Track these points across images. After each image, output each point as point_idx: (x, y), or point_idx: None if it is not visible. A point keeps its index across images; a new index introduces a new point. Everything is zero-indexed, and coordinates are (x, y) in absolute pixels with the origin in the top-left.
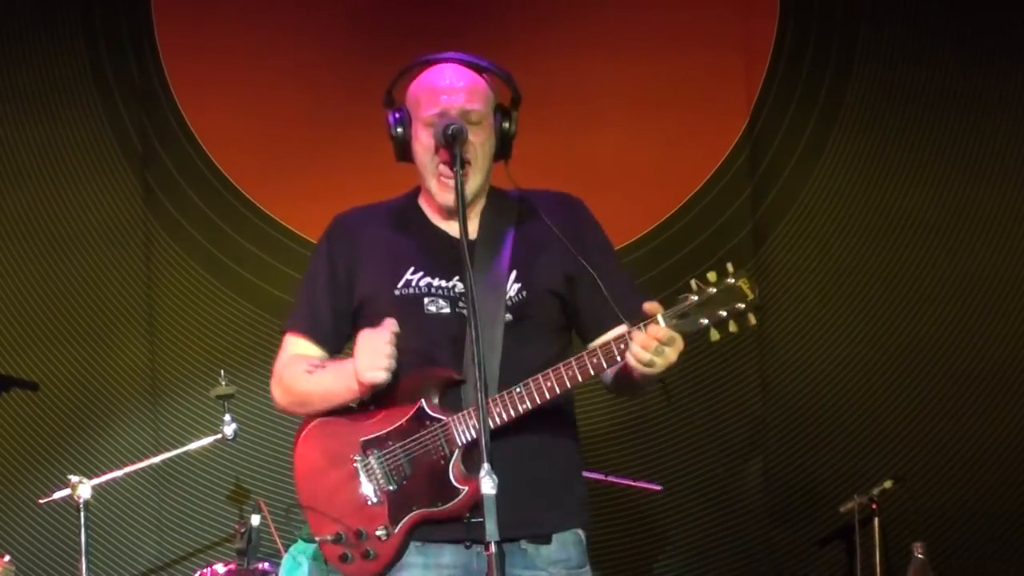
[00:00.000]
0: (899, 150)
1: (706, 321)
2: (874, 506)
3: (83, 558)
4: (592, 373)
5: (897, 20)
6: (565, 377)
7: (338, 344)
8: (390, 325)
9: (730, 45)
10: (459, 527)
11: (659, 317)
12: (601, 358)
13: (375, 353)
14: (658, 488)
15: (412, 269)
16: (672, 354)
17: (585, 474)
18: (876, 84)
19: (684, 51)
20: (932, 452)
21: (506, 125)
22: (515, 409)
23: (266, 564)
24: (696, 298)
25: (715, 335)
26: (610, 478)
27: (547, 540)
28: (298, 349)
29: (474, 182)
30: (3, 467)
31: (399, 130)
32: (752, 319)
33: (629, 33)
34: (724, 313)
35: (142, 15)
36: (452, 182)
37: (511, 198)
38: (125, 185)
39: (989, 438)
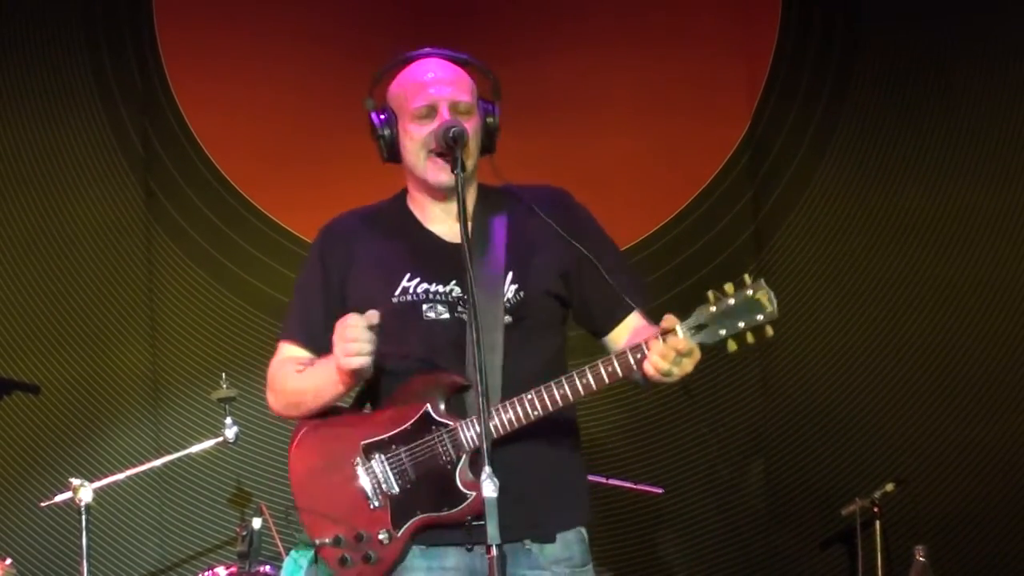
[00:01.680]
0: (900, 153)
1: (724, 332)
2: (876, 509)
3: (84, 561)
4: (607, 382)
5: (898, 23)
6: (579, 385)
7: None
8: (371, 316)
9: (731, 48)
10: (461, 531)
11: (677, 328)
12: (616, 367)
13: (352, 340)
14: (659, 491)
15: (408, 276)
16: (689, 365)
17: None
18: (878, 87)
19: (686, 55)
20: (934, 455)
21: (490, 119)
22: (526, 416)
23: (267, 567)
24: (714, 309)
25: (732, 346)
26: (611, 481)
27: (551, 539)
28: (289, 353)
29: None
30: (4, 470)
31: (386, 131)
32: (769, 331)
33: (630, 37)
34: (742, 324)
35: (144, 18)
36: (444, 162)
37: (499, 193)
38: (127, 188)
39: (991, 441)
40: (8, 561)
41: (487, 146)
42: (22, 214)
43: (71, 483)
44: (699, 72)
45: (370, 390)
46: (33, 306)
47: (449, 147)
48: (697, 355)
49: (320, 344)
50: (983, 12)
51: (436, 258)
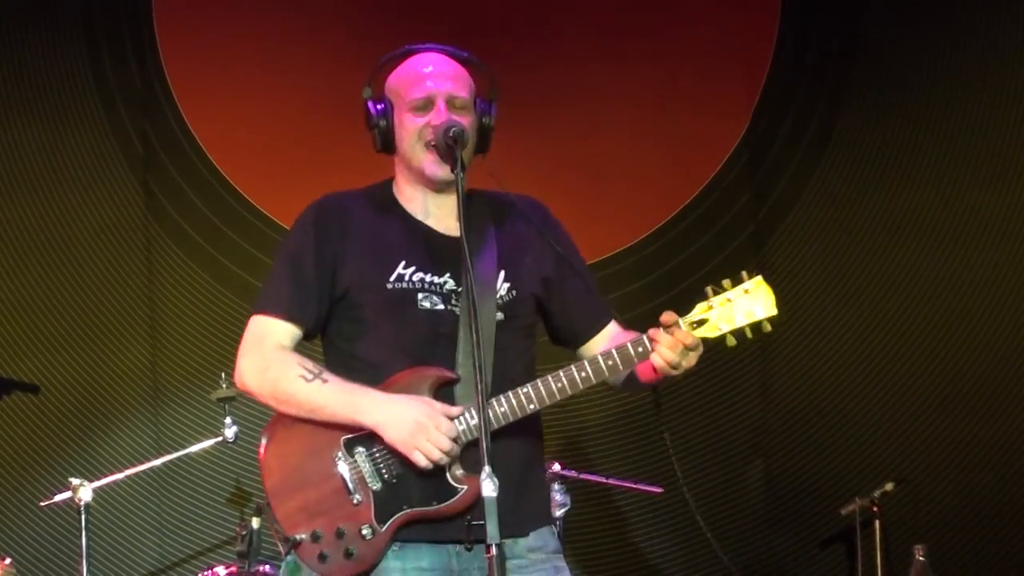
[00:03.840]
0: (899, 153)
1: (724, 328)
2: (875, 508)
3: (84, 561)
4: (607, 375)
5: (899, 21)
6: (578, 378)
7: (316, 330)
8: (452, 423)
9: (731, 48)
10: (450, 528)
11: (681, 322)
12: (617, 360)
13: (442, 449)
14: (659, 491)
15: (404, 263)
16: (694, 358)
17: (586, 477)
18: (877, 86)
19: (686, 54)
20: (933, 454)
21: (485, 120)
22: (522, 409)
23: (267, 567)
24: (714, 305)
25: (731, 341)
26: (611, 481)
27: (525, 535)
28: (279, 336)
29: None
30: (4, 470)
31: (382, 121)
32: (768, 326)
33: (630, 36)
34: (741, 320)
35: (143, 19)
36: (441, 157)
37: (484, 196)
38: (127, 188)
39: (990, 440)
40: (8, 561)
41: (481, 146)
42: (22, 214)
43: (71, 483)
44: (699, 71)
45: (356, 381)
46: (33, 306)
47: (449, 147)
48: (701, 349)
49: (309, 324)
50: (982, 13)
51: (431, 249)
